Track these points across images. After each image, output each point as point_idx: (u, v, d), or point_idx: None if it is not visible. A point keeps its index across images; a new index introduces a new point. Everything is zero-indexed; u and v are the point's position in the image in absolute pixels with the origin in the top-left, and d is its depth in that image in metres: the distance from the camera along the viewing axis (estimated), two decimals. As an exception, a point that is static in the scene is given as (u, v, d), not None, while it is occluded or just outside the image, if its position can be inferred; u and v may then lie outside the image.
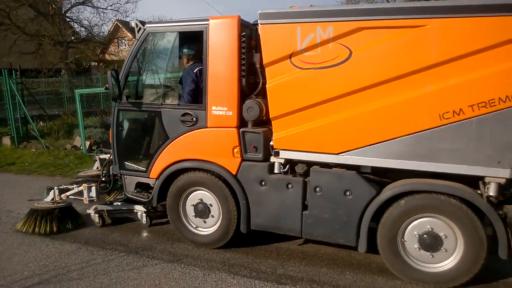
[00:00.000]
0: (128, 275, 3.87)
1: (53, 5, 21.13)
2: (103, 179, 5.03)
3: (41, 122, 12.90)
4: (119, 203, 5.13)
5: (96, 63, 25.97)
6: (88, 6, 22.35)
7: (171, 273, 3.91)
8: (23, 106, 11.52)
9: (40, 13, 20.51)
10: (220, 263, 4.12)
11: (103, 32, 24.09)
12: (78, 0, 22.14)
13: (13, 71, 12.56)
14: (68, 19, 22.39)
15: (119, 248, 4.49)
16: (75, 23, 22.67)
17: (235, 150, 4.14)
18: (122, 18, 24.13)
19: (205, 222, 4.44)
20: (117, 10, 22.80)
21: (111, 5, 22.69)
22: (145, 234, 4.90)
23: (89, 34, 22.44)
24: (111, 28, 26.02)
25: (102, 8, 22.29)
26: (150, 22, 4.48)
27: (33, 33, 19.76)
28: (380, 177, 3.92)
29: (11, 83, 11.29)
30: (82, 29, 22.63)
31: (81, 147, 9.97)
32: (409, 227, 3.70)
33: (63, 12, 21.89)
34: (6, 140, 11.60)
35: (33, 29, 19.92)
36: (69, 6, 22.16)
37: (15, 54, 19.53)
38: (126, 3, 26.17)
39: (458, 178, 3.54)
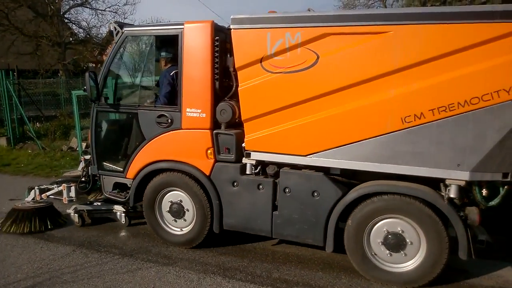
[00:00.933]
0: (122, 278, 3.86)
1: (52, 6, 21.23)
2: (83, 179, 5.13)
3: (37, 123, 12.94)
4: (99, 203, 5.23)
5: (94, 65, 26.12)
6: (87, 7, 22.45)
7: (166, 277, 3.90)
8: (19, 107, 11.59)
9: (39, 14, 20.60)
10: (215, 267, 4.11)
11: (101, 34, 24.25)
12: (77, 2, 22.27)
13: (11, 71, 12.68)
14: (66, 20, 22.48)
15: (113, 250, 4.48)
16: (73, 25, 22.77)
17: (209, 151, 4.24)
18: (120, 20, 24.33)
19: (180, 222, 4.54)
20: (116, 12, 22.77)
21: (109, 7, 22.82)
22: (139, 237, 4.88)
23: (87, 36, 22.58)
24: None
25: (101, 10, 22.31)
26: (128, 25, 4.58)
27: (31, 34, 19.87)
28: (349, 179, 4.01)
29: (8, 84, 11.37)
30: (80, 30, 22.75)
31: (78, 149, 10.03)
32: (375, 228, 3.79)
33: (61, 13, 22.00)
34: (2, 141, 11.67)
35: (32, 30, 20.01)
36: (67, 7, 22.29)
37: (13, 55, 19.68)
38: (125, 5, 26.38)
39: (425, 180, 3.63)
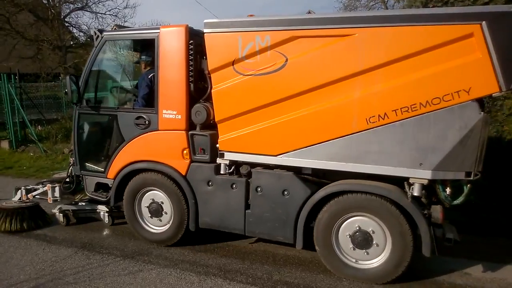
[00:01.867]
0: (123, 280, 3.88)
1: (52, 10, 21.40)
2: (67, 179, 5.26)
3: (39, 126, 13.05)
4: (83, 203, 5.35)
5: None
6: (87, 11, 22.51)
7: (167, 278, 3.92)
8: (21, 110, 11.68)
9: (40, 18, 20.79)
10: (216, 269, 4.13)
11: (102, 37, 24.37)
12: (77, 5, 22.43)
13: (12, 75, 12.85)
14: (67, 24, 22.54)
15: (115, 252, 4.51)
16: (74, 28, 22.87)
17: (185, 152, 4.35)
18: (120, 23, 24.53)
19: (159, 220, 4.66)
20: (116, 15, 22.79)
21: (109, 10, 23.06)
22: (141, 239, 4.84)
23: (88, 39, 22.77)
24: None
25: (101, 13, 22.43)
26: (108, 30, 4.72)
27: (33, 38, 20.09)
28: (320, 178, 4.10)
29: (10, 87, 11.48)
30: (81, 34, 22.93)
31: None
32: (343, 225, 3.88)
33: (62, 17, 22.20)
34: (5, 144, 11.78)
35: (33, 34, 20.17)
36: (68, 11, 22.41)
37: (14, 58, 19.86)
38: (125, 8, 26.56)
39: (393, 179, 3.71)
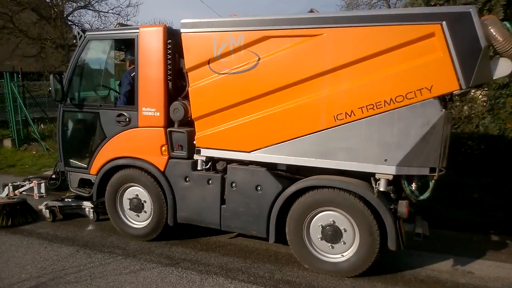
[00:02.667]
0: (125, 279, 3.89)
1: (55, 9, 21.55)
2: (53, 176, 5.41)
3: (42, 125, 13.11)
4: (69, 200, 5.50)
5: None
6: (90, 9, 22.72)
7: (168, 277, 3.93)
8: (24, 108, 11.77)
9: (42, 16, 20.93)
10: (218, 268, 4.13)
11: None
12: (80, 4, 22.59)
13: (15, 74, 13.02)
14: (70, 23, 22.69)
15: (116, 251, 4.53)
16: (76, 27, 23.09)
17: (163, 148, 4.49)
18: (123, 22, 24.73)
19: (139, 215, 4.80)
20: (119, 14, 23.03)
21: (112, 9, 23.28)
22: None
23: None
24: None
25: (104, 12, 22.61)
26: (91, 30, 4.86)
27: (35, 36, 20.30)
28: (294, 174, 4.21)
29: (12, 86, 11.57)
30: (83, 32, 23.08)
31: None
32: (314, 220, 3.99)
33: (65, 15, 22.38)
34: (7, 142, 11.89)
35: (35, 32, 20.34)
36: (70, 9, 22.62)
37: (17, 57, 20.08)
38: (127, 7, 26.81)
39: (364, 175, 3.80)
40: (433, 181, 3.67)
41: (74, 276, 3.95)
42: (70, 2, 22.55)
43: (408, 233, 4.01)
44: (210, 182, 4.32)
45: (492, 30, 3.36)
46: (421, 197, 3.77)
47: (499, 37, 3.34)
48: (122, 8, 25.30)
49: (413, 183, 3.74)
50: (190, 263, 4.24)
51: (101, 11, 22.61)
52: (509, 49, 3.35)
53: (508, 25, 3.37)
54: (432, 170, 3.56)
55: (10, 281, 3.83)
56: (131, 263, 4.23)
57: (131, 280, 3.87)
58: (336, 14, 3.73)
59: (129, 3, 25.93)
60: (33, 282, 3.82)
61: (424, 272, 4.07)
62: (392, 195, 3.82)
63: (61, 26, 21.55)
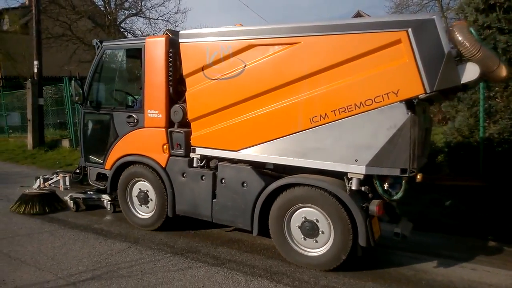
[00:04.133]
0: (173, 276, 4.00)
1: (109, 17, 23.03)
2: (77, 170, 6.09)
3: None
4: (91, 192, 6.14)
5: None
6: (141, 17, 23.85)
7: (214, 277, 4.00)
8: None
9: (98, 24, 22.43)
10: (263, 270, 4.16)
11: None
12: (132, 12, 23.79)
13: (73, 78, 14.21)
14: (122, 30, 23.98)
15: (165, 249, 4.70)
16: (128, 33, 24.17)
17: (164, 146, 4.97)
18: (172, 28, 25.82)
19: (145, 208, 5.30)
20: (167, 20, 24.07)
21: (161, 16, 24.05)
22: (189, 237, 5.11)
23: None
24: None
25: (154, 19, 23.58)
26: (107, 40, 5.48)
27: (91, 43, 21.77)
28: (280, 173, 4.51)
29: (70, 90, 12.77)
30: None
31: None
32: (294, 215, 4.26)
33: (118, 23, 23.66)
34: (65, 143, 12.98)
35: (91, 39, 21.76)
36: (123, 17, 23.93)
37: (74, 62, 21.61)
38: (176, 14, 27.90)
39: (340, 174, 4.01)
40: (404, 181, 3.83)
41: (126, 270, 4.12)
42: (123, 10, 23.92)
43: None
44: (203, 178, 4.73)
45: (459, 36, 3.49)
46: (395, 197, 3.93)
47: (465, 43, 3.46)
48: (171, 14, 26.24)
49: (385, 183, 3.90)
50: (235, 264, 4.32)
51: (151, 18, 23.58)
52: (476, 54, 3.46)
53: (473, 31, 3.47)
54: (403, 171, 3.71)
55: (69, 272, 4.08)
56: (179, 261, 4.37)
57: (179, 278, 3.98)
58: (311, 23, 3.98)
59: (177, 10, 27.06)
60: (89, 275, 4.03)
61: (410, 272, 4.15)
62: (370, 194, 4.00)
63: (115, 33, 22.83)
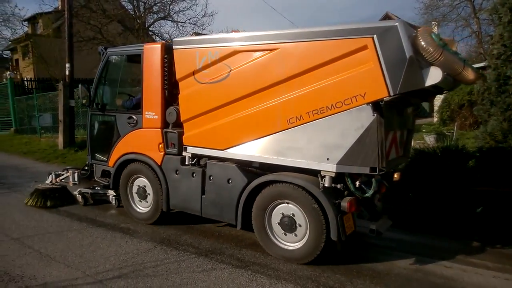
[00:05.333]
0: (198, 277, 4.05)
1: (138, 21, 23.56)
2: (85, 167, 6.57)
3: None
4: (98, 188, 6.60)
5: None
6: (169, 20, 24.26)
7: (239, 279, 4.01)
8: None
9: (127, 28, 23.03)
10: (287, 274, 4.16)
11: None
12: (160, 15, 24.17)
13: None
14: (151, 33, 24.51)
15: (190, 249, 4.77)
16: (157, 37, 24.66)
17: (160, 145, 5.35)
18: (199, 31, 26.11)
19: (144, 202, 5.70)
20: (195, 24, 24.10)
21: (189, 19, 24.24)
22: (213, 238, 5.19)
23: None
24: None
25: (181, 22, 23.89)
26: (111, 47, 5.92)
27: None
28: (265, 171, 4.79)
29: None
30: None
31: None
32: (274, 210, 4.53)
33: (146, 26, 24.12)
34: None
35: (120, 42, 21.72)
36: (152, 20, 24.46)
37: (103, 65, 22.44)
38: (203, 17, 28.23)
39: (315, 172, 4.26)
40: (373, 179, 4.05)
41: (152, 270, 4.20)
42: (152, 14, 24.39)
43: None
44: (194, 175, 5.07)
45: (422, 41, 3.68)
46: (366, 195, 4.15)
47: (428, 48, 3.65)
48: (198, 18, 26.49)
49: (357, 181, 4.12)
50: (259, 267, 4.33)
51: (179, 22, 23.96)
52: (438, 58, 3.64)
53: (434, 36, 3.66)
54: (373, 169, 3.93)
55: (97, 270, 4.19)
56: (204, 262, 4.42)
57: (203, 279, 4.02)
58: (287, 31, 4.25)
59: (204, 13, 27.57)
60: (115, 273, 4.12)
61: (397, 270, 4.27)
62: (346, 192, 4.24)
63: (143, 36, 23.23)
